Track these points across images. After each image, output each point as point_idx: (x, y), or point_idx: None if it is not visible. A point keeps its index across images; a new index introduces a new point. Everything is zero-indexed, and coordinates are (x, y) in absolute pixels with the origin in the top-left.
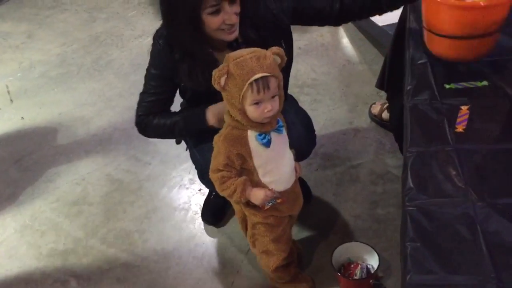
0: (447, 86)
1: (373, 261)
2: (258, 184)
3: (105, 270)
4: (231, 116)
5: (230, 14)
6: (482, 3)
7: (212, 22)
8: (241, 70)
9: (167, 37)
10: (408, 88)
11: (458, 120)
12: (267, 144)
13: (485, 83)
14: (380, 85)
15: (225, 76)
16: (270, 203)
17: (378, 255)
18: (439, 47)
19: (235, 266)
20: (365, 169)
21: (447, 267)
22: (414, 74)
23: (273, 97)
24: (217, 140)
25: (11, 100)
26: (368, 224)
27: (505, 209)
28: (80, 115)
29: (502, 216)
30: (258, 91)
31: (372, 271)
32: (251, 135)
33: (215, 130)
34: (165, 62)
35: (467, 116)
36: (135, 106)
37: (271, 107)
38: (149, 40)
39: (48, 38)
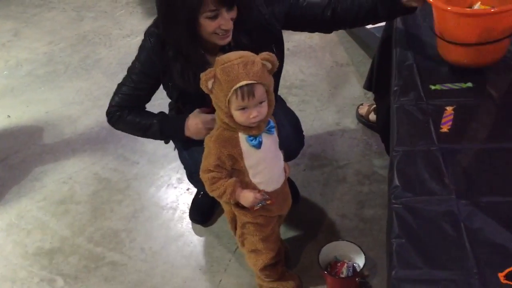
0: (433, 87)
1: (359, 260)
2: (248, 184)
3: (92, 269)
4: (219, 115)
5: (227, 20)
6: (492, 9)
7: (208, 25)
8: (226, 76)
9: (162, 35)
10: (395, 88)
11: (443, 120)
12: (258, 146)
13: (469, 84)
14: (368, 86)
15: (212, 80)
16: (260, 204)
17: (364, 254)
18: (455, 54)
19: (223, 265)
20: (351, 169)
21: (431, 263)
22: (401, 75)
23: (260, 103)
24: (208, 141)
25: None
26: (354, 223)
27: (487, 207)
28: (67, 114)
29: (485, 214)
30: (243, 98)
31: (358, 270)
32: (242, 136)
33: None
34: (154, 60)
35: (452, 117)
36: None
37: (257, 113)
38: (138, 40)
39: (35, 37)
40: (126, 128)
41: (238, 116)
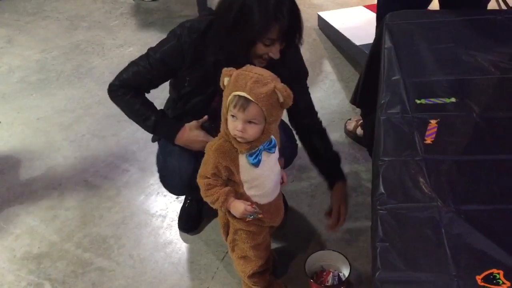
0: (418, 101)
1: (345, 269)
2: (242, 195)
3: (80, 274)
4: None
5: (277, 50)
6: None
7: (260, 50)
8: (235, 81)
9: (211, 40)
10: (382, 101)
11: (427, 132)
12: (256, 164)
13: (453, 99)
14: (353, 100)
15: (228, 78)
16: (252, 217)
17: (349, 263)
18: None
19: (210, 273)
20: None
21: (413, 265)
22: (388, 89)
23: (250, 122)
24: (209, 148)
25: None
26: (340, 234)
27: (467, 214)
28: (58, 121)
29: (464, 221)
30: (235, 106)
31: (344, 279)
32: (242, 155)
33: None
34: (183, 55)
35: (435, 129)
36: (115, 113)
37: (241, 128)
38: (131, 50)
39: (28, 44)
40: (122, 107)
41: (229, 122)
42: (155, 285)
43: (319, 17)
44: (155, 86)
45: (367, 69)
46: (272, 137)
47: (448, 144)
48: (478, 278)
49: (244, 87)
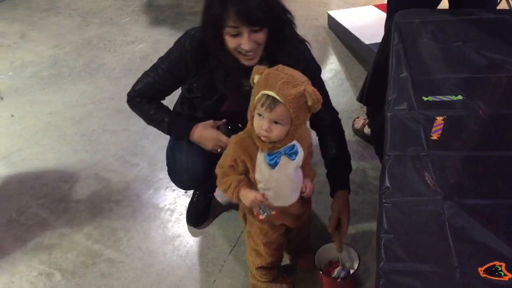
0: (425, 99)
1: (354, 262)
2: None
3: (90, 265)
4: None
5: (246, 41)
6: None
7: (229, 42)
8: (265, 80)
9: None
10: (390, 98)
11: (434, 129)
12: (273, 166)
13: (459, 97)
14: (360, 98)
15: (259, 76)
16: (265, 214)
17: (358, 256)
18: None
19: (218, 266)
20: None
21: (417, 257)
22: (396, 86)
23: (276, 122)
24: (232, 140)
25: (1, 98)
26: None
27: (471, 208)
28: (70, 116)
29: (468, 215)
30: (262, 105)
31: (352, 272)
32: (261, 154)
33: None
34: (185, 63)
35: (442, 126)
36: (126, 109)
37: (267, 127)
38: (142, 47)
39: (40, 40)
40: (140, 114)
41: (255, 120)
42: (163, 277)
43: (329, 16)
44: (167, 94)
45: (375, 67)
46: (297, 144)
47: (454, 140)
48: (480, 270)
49: (273, 86)
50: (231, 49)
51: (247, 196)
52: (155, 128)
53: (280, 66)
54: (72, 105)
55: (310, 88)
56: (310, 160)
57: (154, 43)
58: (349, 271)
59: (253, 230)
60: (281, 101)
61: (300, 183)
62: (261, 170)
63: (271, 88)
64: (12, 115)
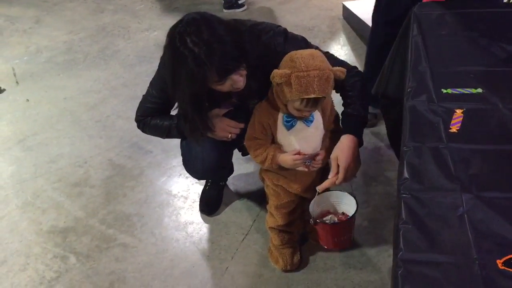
0: (444, 91)
1: (351, 207)
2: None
3: (104, 249)
4: (273, 91)
5: (237, 81)
6: None
7: (221, 88)
8: (299, 86)
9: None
10: (409, 90)
11: (453, 121)
12: (288, 127)
13: (479, 90)
14: (376, 90)
15: (284, 79)
16: (308, 162)
17: (356, 200)
18: None
19: (230, 253)
20: (359, 171)
21: (435, 247)
22: (415, 78)
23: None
24: (255, 109)
25: (17, 82)
26: (358, 221)
27: (490, 201)
28: (84, 101)
29: (487, 207)
30: (306, 106)
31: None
32: (280, 114)
33: None
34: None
35: (461, 119)
36: (140, 96)
37: (309, 114)
38: (156, 34)
39: (55, 25)
40: (152, 131)
41: (294, 111)
42: (176, 263)
43: (344, 7)
44: (170, 109)
45: (392, 59)
46: (313, 113)
47: (472, 133)
48: (499, 262)
49: (312, 91)
50: (223, 91)
51: (286, 161)
52: None
53: (302, 63)
54: (87, 91)
55: (334, 69)
56: (333, 127)
57: (167, 31)
58: (345, 214)
59: (268, 191)
60: (321, 96)
61: (317, 149)
62: (281, 132)
63: (310, 93)
64: (28, 100)
